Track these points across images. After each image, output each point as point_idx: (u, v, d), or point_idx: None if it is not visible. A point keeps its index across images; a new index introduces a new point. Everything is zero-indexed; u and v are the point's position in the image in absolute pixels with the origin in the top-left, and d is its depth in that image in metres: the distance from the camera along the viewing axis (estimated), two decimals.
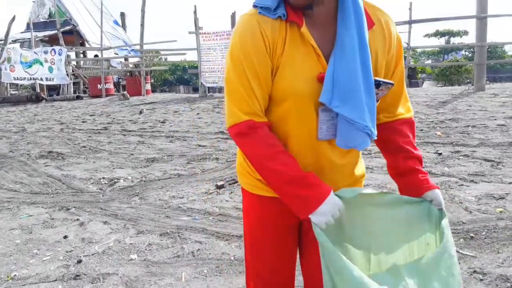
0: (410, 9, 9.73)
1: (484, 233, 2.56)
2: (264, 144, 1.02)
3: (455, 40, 33.89)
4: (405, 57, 12.84)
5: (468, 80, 18.66)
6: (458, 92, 8.41)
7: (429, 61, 32.31)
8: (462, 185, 3.48)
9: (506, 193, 3.20)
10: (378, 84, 1.04)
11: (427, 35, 32.98)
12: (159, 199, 3.57)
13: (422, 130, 5.72)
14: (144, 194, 3.74)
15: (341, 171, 1.16)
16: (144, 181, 4.16)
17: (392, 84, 1.07)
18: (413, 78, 17.50)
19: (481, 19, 8.70)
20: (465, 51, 30.79)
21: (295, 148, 1.09)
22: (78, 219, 3.16)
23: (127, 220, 3.11)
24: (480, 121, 5.93)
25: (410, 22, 9.86)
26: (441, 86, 15.74)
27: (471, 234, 2.55)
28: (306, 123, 1.06)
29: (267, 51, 1.00)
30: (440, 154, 4.50)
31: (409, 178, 1.14)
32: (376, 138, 1.07)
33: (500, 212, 2.87)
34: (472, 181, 3.56)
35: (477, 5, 8.63)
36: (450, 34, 33.40)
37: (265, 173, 1.04)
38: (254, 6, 1.03)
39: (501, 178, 3.57)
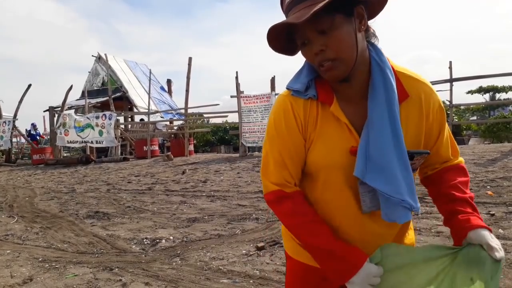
0: (450, 68, 9.71)
1: None
2: (293, 213, 1.07)
3: (501, 96, 33.02)
4: (448, 115, 12.60)
5: None
6: (508, 149, 8.05)
7: (474, 118, 31.44)
8: None
9: None
10: (411, 156, 1.03)
11: (470, 92, 32.37)
12: (200, 260, 3.55)
13: (471, 189, 5.44)
14: (185, 255, 3.74)
15: (386, 240, 1.12)
16: (185, 241, 4.18)
17: (427, 153, 1.07)
18: (457, 135, 17.02)
19: None
20: None
21: (338, 221, 1.10)
22: (120, 280, 3.19)
23: (168, 282, 3.10)
24: None
25: (451, 80, 9.79)
26: (488, 143, 15.15)
27: None
28: (345, 195, 1.07)
29: (299, 130, 1.07)
30: (493, 215, 4.25)
31: (452, 223, 1.06)
32: (419, 211, 1.05)
33: None
34: None
35: None
36: (495, 90, 32.62)
37: (299, 241, 1.10)
38: (287, 88, 1.10)
39: None
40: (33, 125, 18.19)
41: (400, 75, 1.05)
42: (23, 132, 18.17)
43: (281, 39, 1.01)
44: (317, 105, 1.06)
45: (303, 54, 1.03)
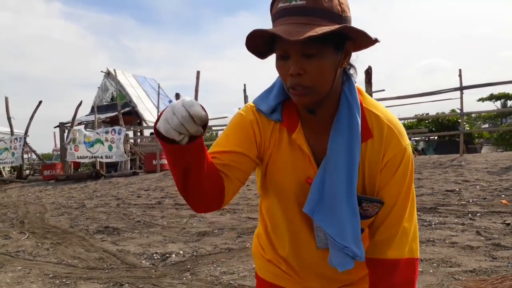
0: (460, 75, 9.64)
1: None
2: None
3: None
4: (458, 123, 12.47)
5: None
6: None
7: (486, 125, 31.09)
8: None
9: None
10: (359, 201, 0.98)
11: (481, 99, 32.05)
12: (210, 275, 3.50)
13: (485, 198, 5.36)
14: (195, 269, 3.69)
15: (332, 282, 1.14)
16: (196, 255, 4.14)
17: (380, 203, 0.99)
18: (469, 143, 16.81)
19: None
20: None
21: (288, 244, 1.12)
22: None
23: None
24: None
25: (462, 89, 9.72)
26: (501, 151, 14.93)
27: None
28: (294, 225, 1.07)
29: (255, 140, 1.02)
30: (508, 224, 4.15)
31: None
32: (363, 260, 0.99)
33: None
34: None
35: None
36: (506, 97, 32.28)
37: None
38: (254, 104, 1.06)
39: None
40: None
41: (367, 112, 1.00)
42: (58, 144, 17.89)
43: (260, 39, 0.92)
44: (280, 128, 1.03)
45: (277, 66, 0.95)
